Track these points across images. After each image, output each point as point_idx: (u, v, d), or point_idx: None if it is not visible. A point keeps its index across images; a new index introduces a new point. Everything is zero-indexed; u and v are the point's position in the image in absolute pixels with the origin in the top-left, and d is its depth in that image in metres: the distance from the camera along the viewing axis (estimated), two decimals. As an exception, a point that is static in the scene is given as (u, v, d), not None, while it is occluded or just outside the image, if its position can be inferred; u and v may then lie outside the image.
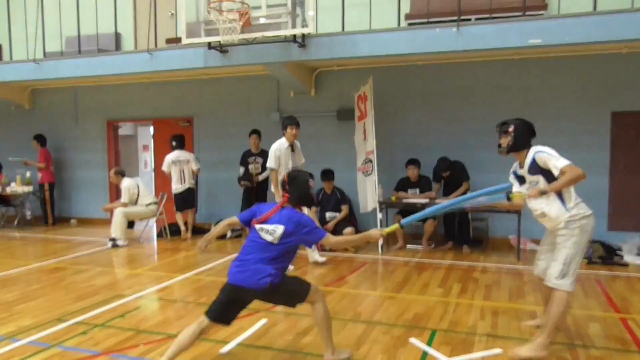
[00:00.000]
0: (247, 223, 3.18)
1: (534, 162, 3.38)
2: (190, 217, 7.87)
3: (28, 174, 9.06)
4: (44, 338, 3.68)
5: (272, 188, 5.88)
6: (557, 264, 3.33)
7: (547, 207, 3.38)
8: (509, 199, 3.55)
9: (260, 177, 7.49)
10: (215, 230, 3.39)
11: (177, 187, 7.73)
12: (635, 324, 3.94)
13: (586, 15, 5.54)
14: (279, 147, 5.73)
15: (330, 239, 3.08)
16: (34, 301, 4.60)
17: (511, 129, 3.49)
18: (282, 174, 5.77)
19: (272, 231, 3.02)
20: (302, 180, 3.17)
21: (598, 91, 6.72)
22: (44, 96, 9.75)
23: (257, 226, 3.06)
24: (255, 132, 7.58)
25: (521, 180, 3.56)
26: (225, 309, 3.06)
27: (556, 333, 3.45)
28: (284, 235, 3.00)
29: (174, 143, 7.82)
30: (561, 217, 3.33)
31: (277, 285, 2.99)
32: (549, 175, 3.31)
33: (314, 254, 6.01)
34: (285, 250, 3.05)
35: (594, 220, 3.41)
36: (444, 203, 3.83)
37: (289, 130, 5.73)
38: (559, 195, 3.32)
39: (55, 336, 3.72)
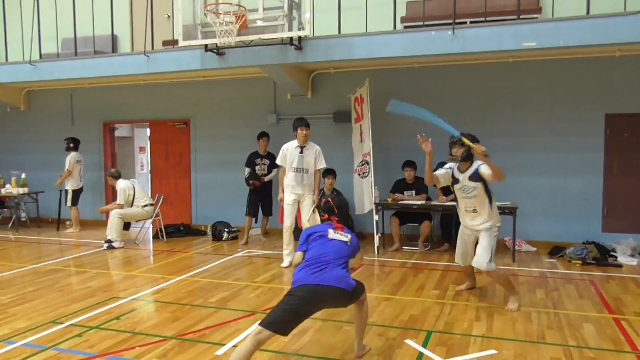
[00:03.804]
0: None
1: (477, 172, 4.26)
2: (77, 212, 8.80)
3: (23, 175, 9.03)
4: (39, 340, 3.68)
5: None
6: (485, 252, 4.27)
7: (479, 208, 4.35)
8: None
9: (266, 178, 7.56)
10: (295, 262, 3.37)
11: (78, 183, 8.72)
12: (628, 324, 3.96)
13: (580, 19, 5.59)
14: (287, 147, 5.93)
15: (357, 256, 3.42)
16: (29, 303, 4.58)
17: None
18: (286, 173, 5.85)
19: (344, 235, 3.26)
20: (345, 203, 3.56)
21: (592, 93, 6.77)
22: (39, 98, 9.73)
23: (331, 231, 3.23)
24: (265, 134, 7.64)
25: (455, 180, 4.42)
26: (295, 317, 2.96)
27: (513, 284, 4.50)
28: (352, 241, 3.29)
29: (72, 144, 8.72)
30: (487, 219, 4.34)
31: (354, 287, 3.16)
32: (485, 183, 4.28)
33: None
34: (352, 254, 3.29)
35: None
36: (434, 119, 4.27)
37: (299, 131, 5.87)
38: (490, 205, 4.35)
39: (50, 338, 3.71)
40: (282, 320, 2.91)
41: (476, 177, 4.28)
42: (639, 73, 6.57)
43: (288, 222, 5.90)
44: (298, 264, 3.21)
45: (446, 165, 4.51)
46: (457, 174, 4.41)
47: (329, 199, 3.41)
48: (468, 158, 4.31)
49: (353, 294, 3.11)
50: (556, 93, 6.90)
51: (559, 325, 3.93)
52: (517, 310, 4.26)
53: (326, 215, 3.37)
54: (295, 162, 5.83)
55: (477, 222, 4.38)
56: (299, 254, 3.25)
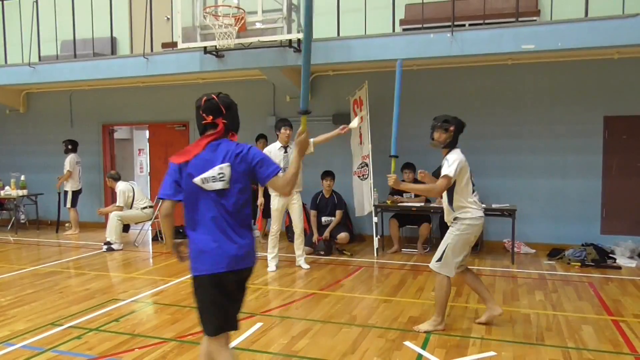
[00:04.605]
0: (178, 192, 2.38)
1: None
2: (76, 213, 8.81)
3: (23, 177, 9.03)
4: (38, 342, 3.67)
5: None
6: (438, 251, 3.86)
7: (444, 199, 3.86)
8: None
9: None
10: (166, 232, 2.54)
11: (78, 185, 8.74)
12: (627, 326, 3.97)
13: (578, 21, 5.61)
14: (270, 149, 5.93)
15: (280, 176, 2.44)
16: (28, 305, 4.58)
17: (452, 128, 3.80)
18: None
19: (219, 175, 2.32)
20: (234, 102, 2.62)
21: (590, 96, 6.78)
22: (39, 100, 9.73)
23: (197, 180, 2.32)
24: (263, 136, 7.66)
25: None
26: (223, 308, 2.39)
27: (445, 306, 3.87)
28: (233, 174, 2.34)
29: (70, 146, 8.70)
30: (450, 214, 3.83)
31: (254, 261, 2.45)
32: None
33: (300, 260, 6.05)
34: (245, 199, 2.40)
35: (480, 224, 3.80)
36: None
37: (282, 131, 5.89)
38: (449, 199, 3.78)
39: (49, 340, 3.71)
40: (209, 321, 2.39)
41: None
42: (637, 75, 6.58)
43: (275, 227, 5.92)
44: (166, 214, 2.41)
45: None
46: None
47: (214, 96, 2.51)
48: (450, 145, 3.81)
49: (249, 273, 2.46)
50: (555, 95, 6.92)
51: (557, 327, 3.93)
52: (423, 332, 3.80)
53: (210, 117, 2.45)
54: (282, 163, 5.82)
55: (447, 217, 3.90)
56: (168, 204, 2.39)
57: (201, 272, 2.34)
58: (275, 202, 5.88)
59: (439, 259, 3.82)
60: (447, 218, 3.89)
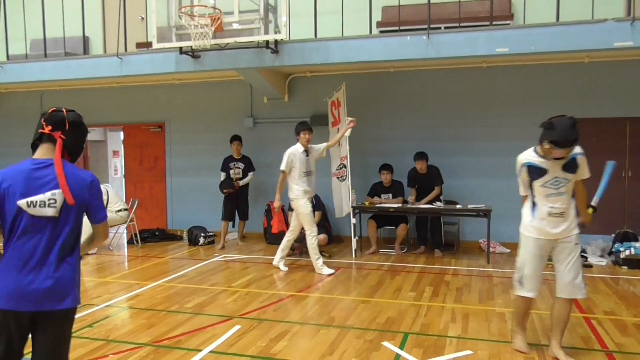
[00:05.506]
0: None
1: (574, 160, 3.26)
2: None
3: (-10, 180, 8.74)
4: (7, 351, 3.55)
5: (277, 188, 5.98)
6: (582, 275, 3.26)
7: (568, 208, 3.34)
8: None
9: (241, 183, 7.49)
10: None
11: None
12: (598, 323, 4.08)
13: (550, 26, 5.75)
14: (293, 152, 5.88)
15: (106, 225, 2.33)
16: (-4, 313, 4.43)
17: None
18: (295, 178, 5.82)
19: (50, 201, 2.04)
20: (84, 124, 2.29)
21: (562, 98, 6.97)
22: (8, 100, 9.44)
23: (22, 202, 2.01)
24: (237, 138, 7.59)
25: (539, 172, 3.28)
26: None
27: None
28: (67, 203, 2.07)
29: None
30: (575, 224, 3.34)
31: (75, 309, 2.14)
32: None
33: (280, 262, 6.02)
34: (77, 231, 2.22)
35: None
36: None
37: (301, 135, 5.88)
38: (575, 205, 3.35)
39: (18, 348, 3.59)
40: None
41: (573, 166, 3.21)
42: (607, 78, 6.79)
43: (316, 231, 5.84)
44: None
45: (525, 161, 3.39)
46: (542, 164, 3.24)
47: (64, 110, 2.29)
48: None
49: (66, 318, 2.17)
50: (528, 97, 7.07)
51: (532, 325, 4.00)
52: None
53: (49, 128, 2.20)
54: (305, 166, 5.85)
55: (563, 229, 3.25)
56: None
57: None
58: (303, 203, 5.77)
59: (585, 283, 3.29)
60: (572, 233, 3.30)
